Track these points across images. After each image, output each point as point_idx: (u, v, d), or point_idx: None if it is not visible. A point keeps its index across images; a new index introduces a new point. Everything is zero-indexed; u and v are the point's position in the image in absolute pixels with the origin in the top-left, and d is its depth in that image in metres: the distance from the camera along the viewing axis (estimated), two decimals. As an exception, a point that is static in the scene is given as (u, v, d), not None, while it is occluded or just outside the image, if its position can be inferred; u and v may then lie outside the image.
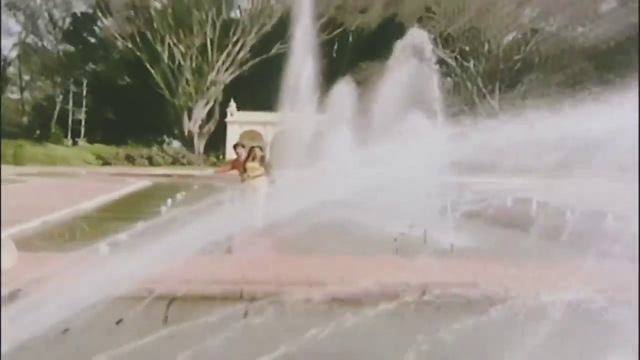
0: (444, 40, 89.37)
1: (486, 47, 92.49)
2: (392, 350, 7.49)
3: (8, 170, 61.91)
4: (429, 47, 29.75)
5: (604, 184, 9.89)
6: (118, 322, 11.60)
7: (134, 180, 50.43)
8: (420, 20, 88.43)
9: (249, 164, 22.71)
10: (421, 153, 13.75)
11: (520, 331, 7.61)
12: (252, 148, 23.72)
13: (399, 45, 32.05)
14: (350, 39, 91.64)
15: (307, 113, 55.82)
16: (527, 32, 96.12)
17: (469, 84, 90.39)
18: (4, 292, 10.47)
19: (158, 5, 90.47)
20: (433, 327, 7.98)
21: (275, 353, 7.57)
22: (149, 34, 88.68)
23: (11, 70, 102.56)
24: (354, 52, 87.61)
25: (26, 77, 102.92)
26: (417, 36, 31.40)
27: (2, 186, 42.21)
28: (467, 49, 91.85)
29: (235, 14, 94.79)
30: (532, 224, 13.93)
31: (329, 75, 54.80)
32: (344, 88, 45.65)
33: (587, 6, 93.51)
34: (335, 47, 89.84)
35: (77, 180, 52.15)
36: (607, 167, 9.46)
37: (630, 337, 9.69)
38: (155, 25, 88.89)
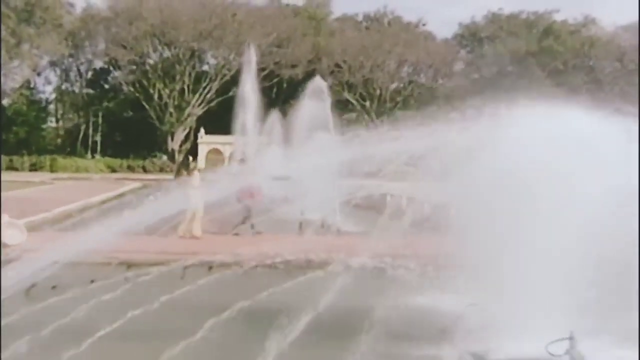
0: (349, 87, 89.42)
1: (377, 92, 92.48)
2: (272, 286, 7.34)
3: (46, 175, 61.19)
4: (325, 89, 29.72)
5: (428, 184, 9.79)
6: (92, 282, 11.25)
7: (129, 182, 50.10)
8: (332, 73, 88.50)
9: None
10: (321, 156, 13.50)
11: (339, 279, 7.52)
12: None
13: (309, 88, 32.07)
14: (285, 85, 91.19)
15: (252, 136, 55.57)
16: (405, 83, 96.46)
17: (366, 117, 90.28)
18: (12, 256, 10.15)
19: (151, 62, 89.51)
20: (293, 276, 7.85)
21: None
22: (144, 82, 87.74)
23: (51, 107, 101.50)
24: (287, 94, 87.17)
25: (60, 112, 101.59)
26: (318, 82, 31.41)
27: (39, 187, 41.50)
28: (364, 93, 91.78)
29: (206, 67, 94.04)
30: (385, 209, 13.76)
31: (270, 108, 54.67)
32: (275, 118, 45.62)
33: (444, 67, 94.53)
34: (275, 90, 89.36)
35: (91, 182, 51.53)
36: (428, 172, 9.37)
37: (401, 287, 9.68)
38: (149, 75, 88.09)
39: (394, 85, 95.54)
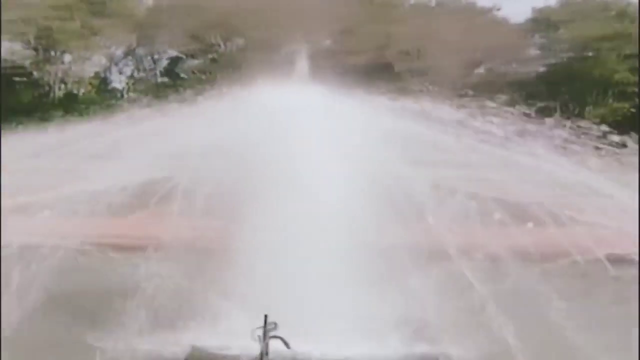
0: (418, 74, 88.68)
1: (448, 78, 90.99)
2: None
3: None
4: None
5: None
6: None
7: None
8: (401, 60, 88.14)
9: None
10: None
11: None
12: None
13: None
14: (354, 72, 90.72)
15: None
16: (477, 69, 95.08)
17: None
18: None
19: (220, 51, 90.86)
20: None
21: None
22: (213, 71, 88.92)
23: (124, 96, 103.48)
24: (355, 80, 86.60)
25: (133, 101, 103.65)
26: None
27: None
28: (435, 79, 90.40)
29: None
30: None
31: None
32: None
33: (519, 51, 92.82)
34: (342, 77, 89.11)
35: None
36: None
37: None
38: (218, 64, 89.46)
39: (465, 72, 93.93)
